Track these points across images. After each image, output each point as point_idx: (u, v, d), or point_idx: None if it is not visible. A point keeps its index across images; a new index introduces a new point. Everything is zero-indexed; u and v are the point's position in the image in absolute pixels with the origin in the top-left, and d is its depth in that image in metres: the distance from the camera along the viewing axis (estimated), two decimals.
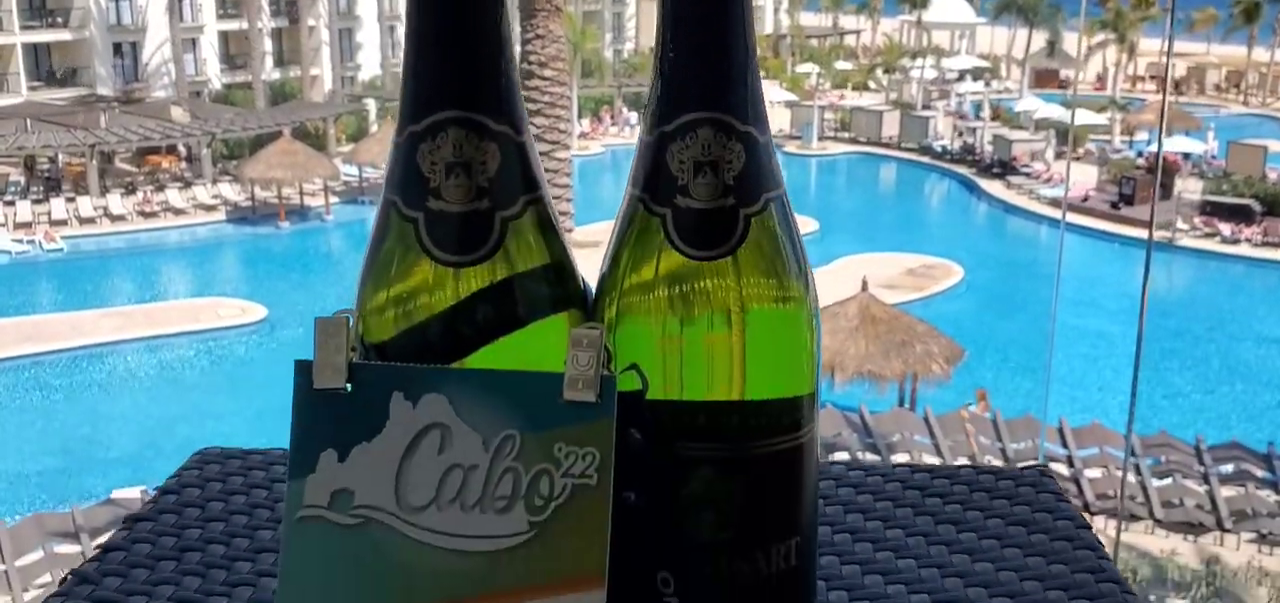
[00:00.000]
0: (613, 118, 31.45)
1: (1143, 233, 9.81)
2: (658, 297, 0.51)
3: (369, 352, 0.50)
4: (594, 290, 0.53)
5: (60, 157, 23.58)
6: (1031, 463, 0.80)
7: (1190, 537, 9.73)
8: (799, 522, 0.52)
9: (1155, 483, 10.14)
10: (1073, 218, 21.00)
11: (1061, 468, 10.08)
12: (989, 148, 26.72)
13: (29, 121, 23.92)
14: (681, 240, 0.50)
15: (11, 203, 21.93)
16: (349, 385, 0.48)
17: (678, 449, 0.50)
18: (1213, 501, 9.85)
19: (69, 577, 0.68)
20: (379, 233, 0.51)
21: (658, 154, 0.50)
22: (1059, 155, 25.33)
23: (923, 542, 0.73)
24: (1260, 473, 10.24)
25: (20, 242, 20.45)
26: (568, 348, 0.46)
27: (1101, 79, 37.96)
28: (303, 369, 0.48)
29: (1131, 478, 10.23)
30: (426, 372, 0.48)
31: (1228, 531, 9.67)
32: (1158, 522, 9.81)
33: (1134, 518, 9.80)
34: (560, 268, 0.52)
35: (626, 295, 0.51)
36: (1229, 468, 10.33)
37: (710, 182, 0.49)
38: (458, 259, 0.49)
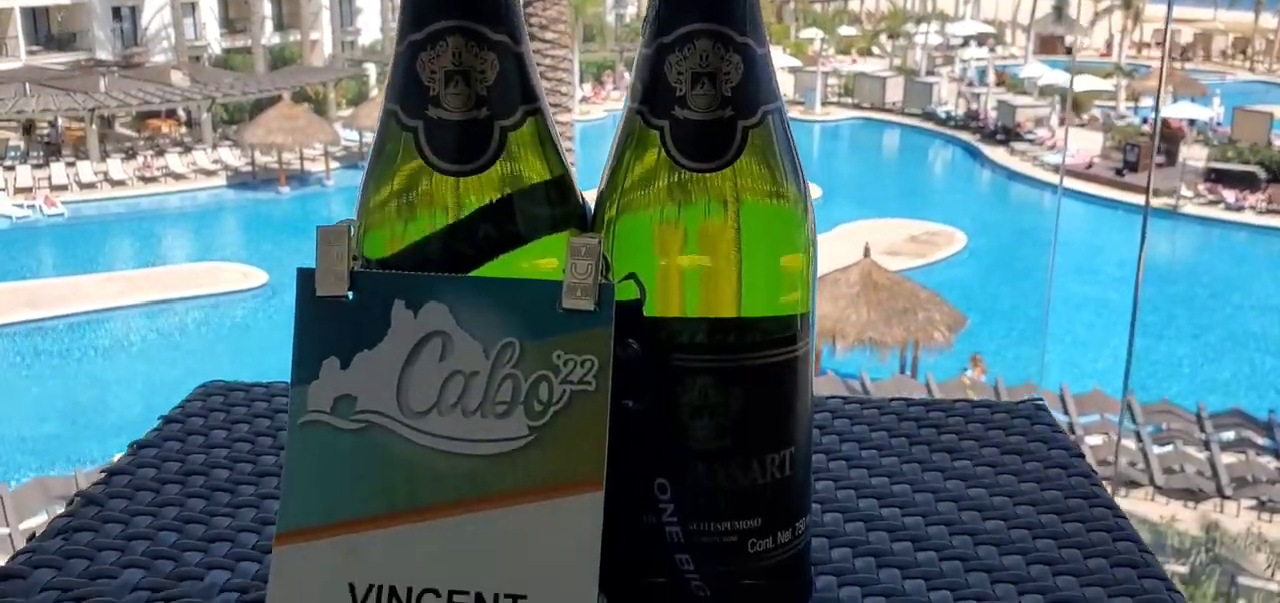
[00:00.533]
0: (614, 83, 31.31)
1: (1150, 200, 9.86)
2: (655, 209, 0.51)
3: (369, 263, 0.51)
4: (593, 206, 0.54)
5: (60, 121, 23.52)
6: (1026, 398, 0.81)
7: (1190, 503, 9.77)
8: (793, 433, 0.53)
9: (1156, 450, 10.18)
10: (1078, 185, 20.98)
11: None
12: (993, 114, 26.61)
13: (28, 86, 23.84)
14: (679, 152, 0.50)
15: (12, 168, 21.89)
16: (351, 294, 0.48)
17: (674, 359, 0.51)
18: (1213, 467, 9.89)
19: (76, 498, 0.69)
20: (379, 143, 0.51)
21: (656, 66, 0.50)
22: (1065, 121, 25.22)
23: (917, 469, 0.74)
24: (1261, 440, 10.28)
25: (21, 207, 20.44)
26: (566, 257, 0.47)
27: (1110, 46, 37.74)
28: (305, 277, 0.49)
29: (1132, 444, 10.27)
30: (427, 280, 0.48)
31: (1228, 497, 9.71)
32: (1158, 488, 9.85)
33: (1134, 484, 9.85)
34: (560, 181, 0.52)
35: (624, 208, 0.52)
36: (1230, 435, 10.36)
37: (708, 93, 0.50)
38: (457, 168, 0.49)
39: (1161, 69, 9.11)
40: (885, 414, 0.82)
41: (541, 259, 0.51)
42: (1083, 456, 0.76)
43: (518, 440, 0.47)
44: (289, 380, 0.49)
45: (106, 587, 0.60)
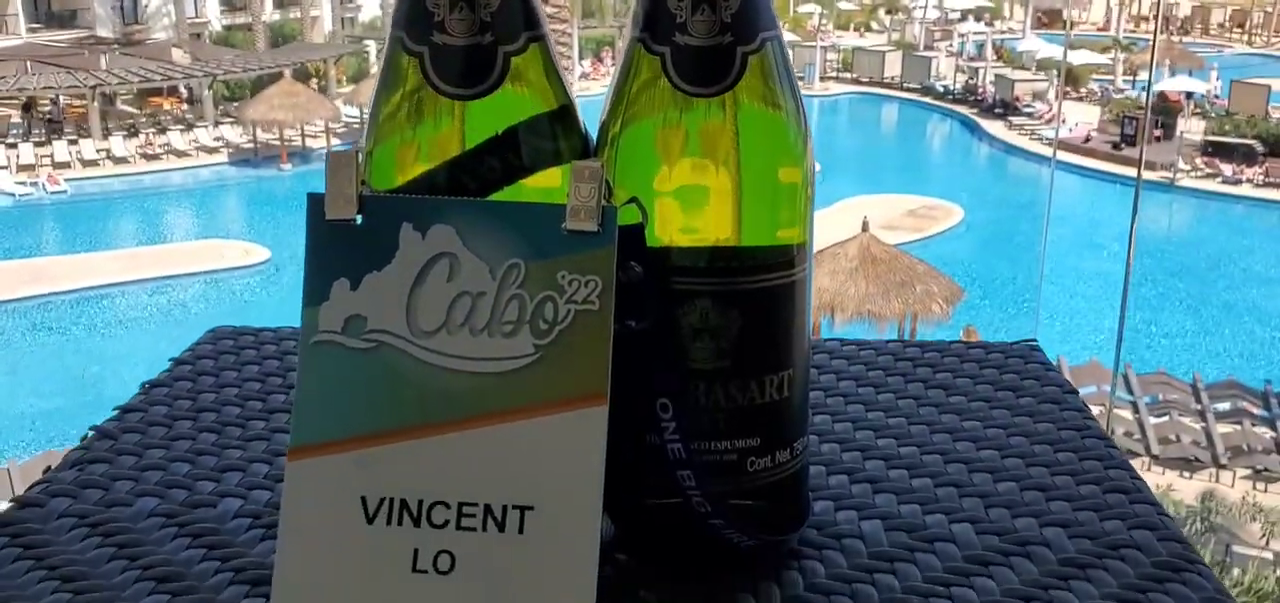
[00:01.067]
0: (614, 59, 31.19)
1: (1146, 174, 9.87)
2: (656, 134, 0.53)
3: (376, 188, 0.52)
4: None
5: (61, 99, 23.46)
6: (1020, 340, 0.82)
7: (1186, 473, 9.82)
8: (791, 356, 0.54)
9: (1152, 420, 10.23)
10: (1075, 159, 20.95)
11: None
12: (991, 88, 26.55)
13: (29, 63, 23.76)
14: (680, 77, 0.51)
15: (14, 146, 21.84)
16: (359, 217, 0.50)
17: (675, 282, 0.52)
18: (1209, 438, 9.93)
19: (90, 433, 0.70)
20: (385, 69, 0.53)
21: None
22: (1063, 95, 25.15)
23: (913, 404, 0.75)
24: (1257, 410, 10.32)
25: (24, 184, 20.42)
26: (569, 180, 0.48)
27: (1109, 19, 37.59)
28: (315, 201, 0.50)
29: (1128, 415, 10.31)
30: (434, 203, 0.49)
31: (1223, 467, 9.76)
32: (1154, 458, 9.90)
33: (1130, 454, 9.89)
34: (564, 110, 0.53)
35: (626, 134, 0.53)
36: (1226, 406, 10.41)
37: (708, 19, 0.51)
38: (462, 92, 0.51)
39: (1153, 42, 9.15)
40: (882, 354, 0.83)
41: (545, 184, 0.52)
42: (1075, 392, 0.77)
43: (524, 359, 0.49)
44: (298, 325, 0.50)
45: (122, 514, 0.62)
